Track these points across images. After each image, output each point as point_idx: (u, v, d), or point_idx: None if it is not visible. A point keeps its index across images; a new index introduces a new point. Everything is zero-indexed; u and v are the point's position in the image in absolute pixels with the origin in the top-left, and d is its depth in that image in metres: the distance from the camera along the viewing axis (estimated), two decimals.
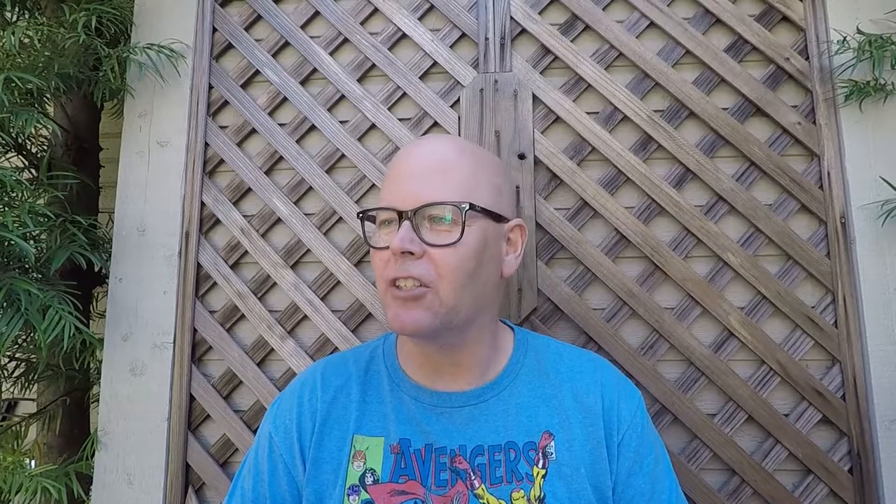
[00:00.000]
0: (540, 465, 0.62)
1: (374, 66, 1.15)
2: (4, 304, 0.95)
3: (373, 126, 1.13)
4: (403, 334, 0.61)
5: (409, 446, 0.63)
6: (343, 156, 1.13)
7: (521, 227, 0.67)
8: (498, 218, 0.63)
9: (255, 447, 0.68)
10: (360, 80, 1.15)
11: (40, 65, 1.10)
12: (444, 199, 0.59)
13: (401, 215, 0.59)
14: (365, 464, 0.62)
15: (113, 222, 1.13)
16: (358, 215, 0.66)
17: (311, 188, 1.12)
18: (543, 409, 0.65)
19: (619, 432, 0.64)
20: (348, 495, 0.61)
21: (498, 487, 0.61)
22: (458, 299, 0.59)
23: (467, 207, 0.58)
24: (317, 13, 1.18)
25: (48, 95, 1.20)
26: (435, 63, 1.13)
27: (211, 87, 1.18)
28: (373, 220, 0.65)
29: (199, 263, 1.12)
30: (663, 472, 0.66)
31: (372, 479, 0.61)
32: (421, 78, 1.13)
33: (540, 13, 1.13)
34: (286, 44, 1.18)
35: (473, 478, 0.61)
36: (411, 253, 0.57)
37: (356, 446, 0.63)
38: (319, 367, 0.71)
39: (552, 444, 0.63)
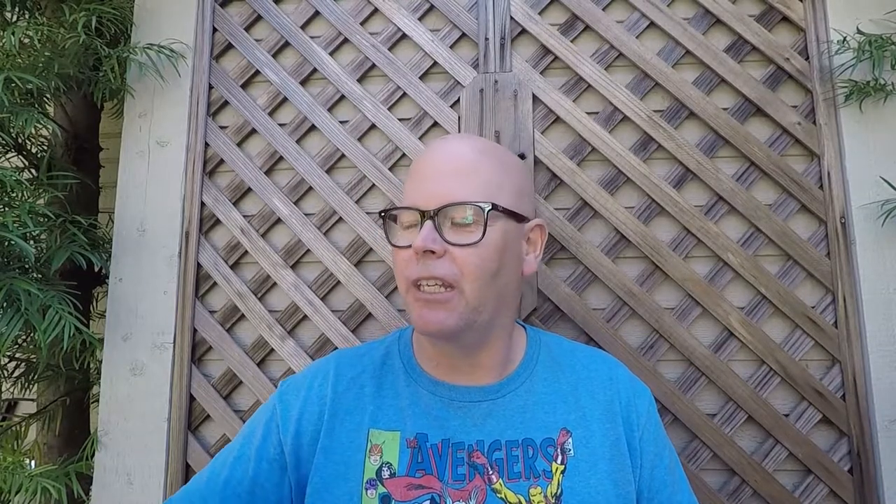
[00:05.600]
0: (559, 461, 0.62)
1: (374, 66, 1.15)
2: (4, 304, 0.95)
3: (373, 126, 1.13)
4: (427, 335, 0.62)
5: (426, 441, 0.63)
6: (343, 156, 1.13)
7: (542, 227, 0.68)
8: (519, 218, 0.64)
9: (254, 416, 0.69)
10: (360, 80, 1.15)
11: (40, 65, 1.10)
12: (467, 199, 0.59)
13: (423, 215, 0.59)
14: (381, 458, 0.63)
15: (113, 222, 1.13)
16: (380, 214, 0.67)
17: (311, 188, 1.12)
18: (561, 406, 0.65)
19: (638, 428, 0.66)
20: (366, 489, 0.61)
21: (516, 483, 0.61)
22: (481, 298, 0.60)
23: (489, 207, 0.59)
24: (317, 13, 1.18)
25: (48, 95, 1.20)
26: (435, 63, 1.13)
27: (211, 87, 1.18)
28: (394, 219, 0.66)
29: (199, 263, 1.12)
30: (676, 464, 0.69)
31: (389, 472, 0.62)
32: (421, 78, 1.13)
33: (540, 13, 1.13)
34: (286, 44, 1.18)
35: (491, 472, 0.62)
36: (433, 252, 0.58)
37: (372, 440, 0.64)
38: (333, 358, 0.72)
39: (570, 440, 0.63)
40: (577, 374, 0.68)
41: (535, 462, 0.62)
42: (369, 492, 0.61)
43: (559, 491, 0.61)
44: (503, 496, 0.61)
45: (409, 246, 0.60)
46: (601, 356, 0.72)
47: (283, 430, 0.65)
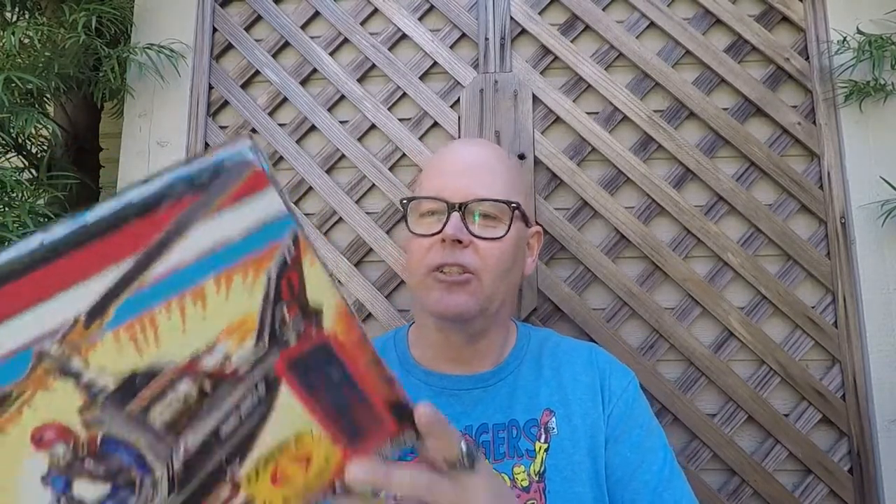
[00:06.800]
0: (542, 440, 0.65)
1: (374, 66, 1.15)
2: None
3: (373, 126, 1.13)
4: (445, 317, 0.64)
5: None
6: (343, 156, 1.13)
7: (539, 234, 0.74)
8: (527, 222, 0.69)
9: None
10: (360, 81, 1.15)
11: (40, 65, 1.10)
12: (497, 197, 0.64)
13: (451, 207, 0.63)
14: None
15: None
16: (402, 201, 0.70)
17: (311, 188, 1.12)
18: (544, 388, 0.68)
19: (609, 404, 0.67)
20: None
21: (501, 463, 0.64)
22: (494, 289, 0.64)
23: (516, 206, 0.64)
24: (317, 13, 1.18)
25: (48, 95, 1.20)
26: (435, 63, 1.13)
27: (211, 87, 1.18)
28: (412, 209, 0.69)
29: None
30: (657, 447, 0.66)
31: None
32: (421, 78, 1.13)
33: (540, 13, 1.13)
34: (286, 44, 1.18)
35: None
36: (459, 241, 0.62)
37: None
38: None
39: (553, 419, 0.66)
40: (559, 360, 0.71)
41: (518, 442, 0.65)
42: None
43: (542, 468, 0.63)
44: None
45: (430, 234, 0.63)
46: (584, 344, 0.76)
47: None
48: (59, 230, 0.24)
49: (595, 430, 0.66)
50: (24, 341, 0.25)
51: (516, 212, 0.64)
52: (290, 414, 0.34)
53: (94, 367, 0.28)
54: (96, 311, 0.27)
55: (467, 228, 0.62)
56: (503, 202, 0.63)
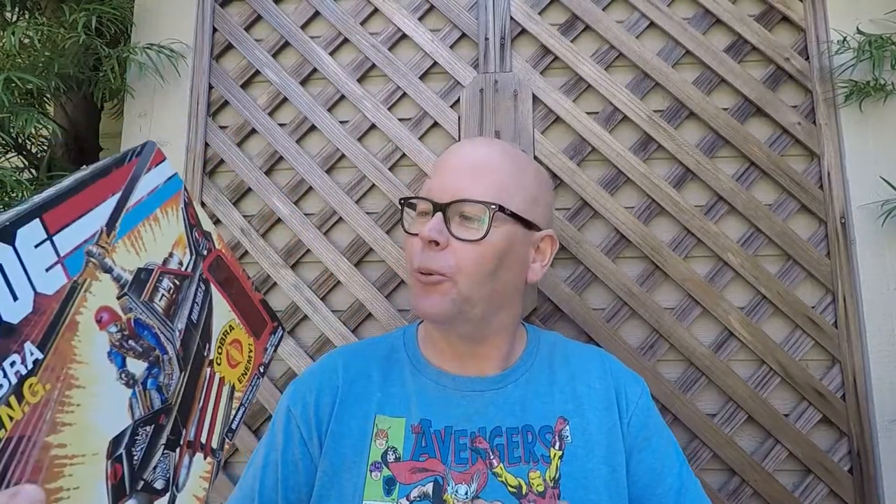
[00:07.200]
0: (557, 447, 0.65)
1: (374, 66, 1.15)
2: None
3: (373, 126, 1.13)
4: (423, 317, 0.65)
5: (429, 427, 0.66)
6: (343, 156, 1.13)
7: (552, 238, 0.70)
8: (528, 225, 0.66)
9: (271, 425, 0.71)
10: (360, 80, 1.15)
11: (40, 65, 1.10)
12: (476, 198, 0.62)
13: (437, 207, 0.63)
14: (387, 442, 0.65)
15: None
16: (400, 201, 0.70)
17: (311, 188, 1.12)
18: (558, 396, 0.68)
19: (627, 413, 0.68)
20: (371, 471, 0.64)
21: (516, 467, 0.64)
22: (473, 292, 0.63)
23: (496, 208, 0.62)
24: (317, 13, 1.18)
25: (48, 95, 1.20)
26: (435, 63, 1.13)
27: (211, 87, 1.18)
28: (413, 208, 0.69)
29: None
30: (673, 451, 0.69)
31: (394, 456, 0.64)
32: (421, 78, 1.13)
33: (540, 13, 1.13)
34: (286, 44, 1.18)
35: (492, 457, 0.64)
36: (436, 243, 0.62)
37: (378, 426, 0.66)
38: (340, 352, 0.75)
39: (567, 428, 0.66)
40: (573, 367, 0.71)
41: (533, 447, 0.65)
42: (374, 474, 0.63)
43: (557, 475, 0.63)
44: (503, 479, 0.63)
45: (413, 234, 0.65)
46: (594, 350, 0.76)
47: (304, 429, 0.67)
48: (78, 175, 0.37)
49: (612, 438, 0.66)
50: (77, 243, 0.36)
51: (499, 214, 0.62)
52: (221, 306, 0.49)
53: (118, 265, 0.39)
54: (111, 223, 0.39)
55: (448, 229, 0.62)
56: (481, 203, 0.62)
